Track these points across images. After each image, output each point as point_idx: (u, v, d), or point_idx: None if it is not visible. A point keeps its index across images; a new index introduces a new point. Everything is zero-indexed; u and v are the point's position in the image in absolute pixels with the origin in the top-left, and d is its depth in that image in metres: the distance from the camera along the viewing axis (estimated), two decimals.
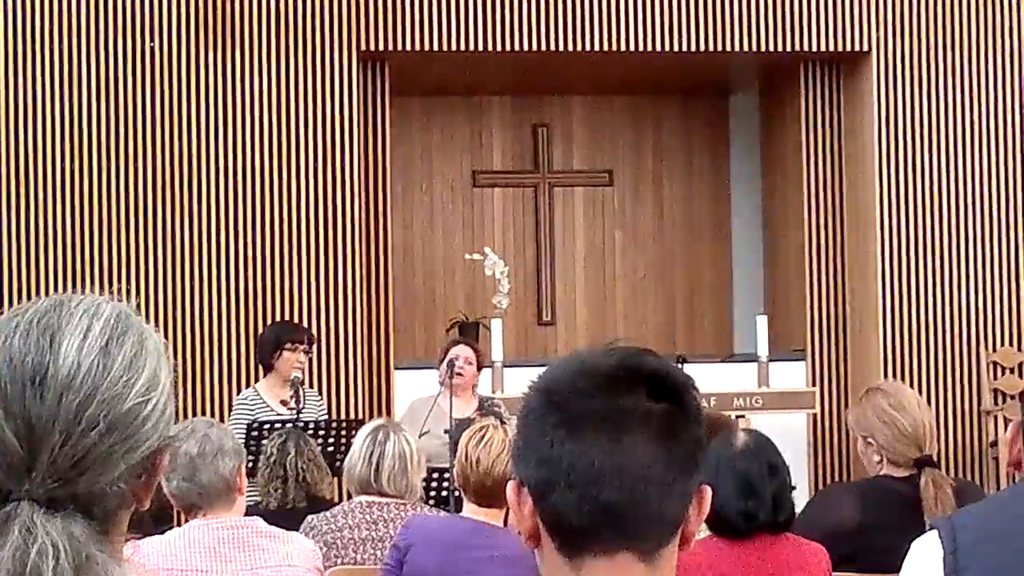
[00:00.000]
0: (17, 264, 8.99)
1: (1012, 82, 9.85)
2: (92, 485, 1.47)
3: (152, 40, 9.07)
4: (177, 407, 1.63)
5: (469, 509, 4.80)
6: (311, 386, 8.19)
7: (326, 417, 7.83)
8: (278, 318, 8.88)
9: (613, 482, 1.61)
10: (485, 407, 7.60)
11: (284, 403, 7.43)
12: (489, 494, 4.68)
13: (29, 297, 1.63)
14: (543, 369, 1.76)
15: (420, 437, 6.41)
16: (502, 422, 6.00)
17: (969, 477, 9.20)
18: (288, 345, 7.61)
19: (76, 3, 9.04)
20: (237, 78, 9.27)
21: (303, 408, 7.33)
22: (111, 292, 1.62)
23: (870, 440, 4.68)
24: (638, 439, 1.63)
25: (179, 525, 4.54)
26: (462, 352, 7.73)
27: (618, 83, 11.55)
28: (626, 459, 1.62)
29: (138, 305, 1.61)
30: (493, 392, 8.66)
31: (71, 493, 1.45)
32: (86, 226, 8.98)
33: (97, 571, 1.42)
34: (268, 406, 7.52)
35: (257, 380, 8.05)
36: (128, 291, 1.68)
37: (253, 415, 7.42)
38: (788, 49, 10.04)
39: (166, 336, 1.61)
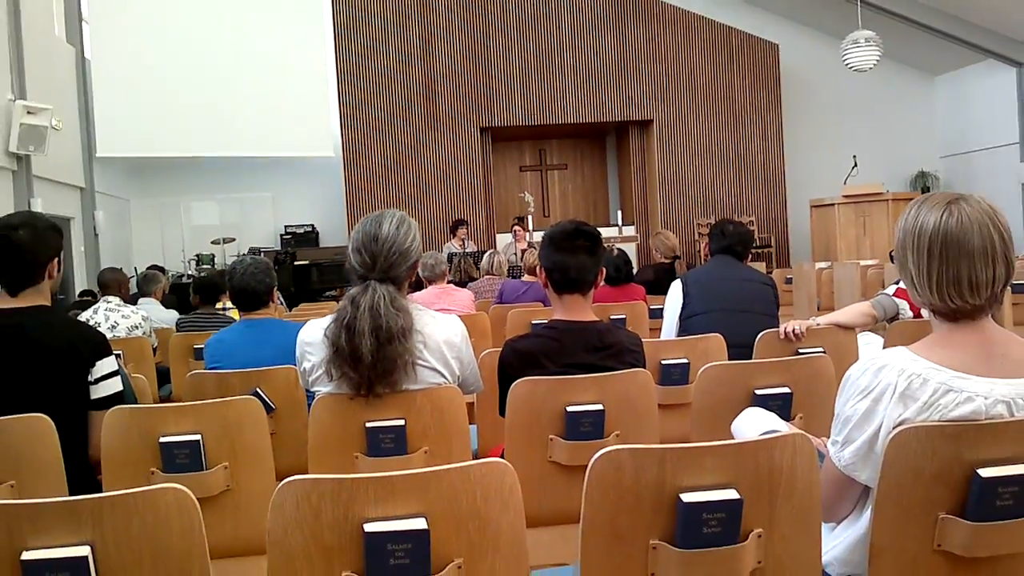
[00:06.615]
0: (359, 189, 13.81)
1: None
2: (395, 273, 3.37)
3: None
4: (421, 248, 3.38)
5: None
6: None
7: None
8: None
9: (571, 270, 3.59)
10: (531, 245, 12.63)
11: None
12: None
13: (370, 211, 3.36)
14: (551, 228, 3.69)
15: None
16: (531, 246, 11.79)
17: None
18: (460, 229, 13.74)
19: None
20: None
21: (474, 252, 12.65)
22: (400, 211, 3.42)
23: None
24: (581, 254, 3.58)
25: (418, 288, 8.53)
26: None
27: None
28: (577, 262, 3.59)
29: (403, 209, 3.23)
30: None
31: (388, 276, 3.36)
32: None
33: (399, 302, 3.30)
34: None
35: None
36: (405, 209, 4.16)
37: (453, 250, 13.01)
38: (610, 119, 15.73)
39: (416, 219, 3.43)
